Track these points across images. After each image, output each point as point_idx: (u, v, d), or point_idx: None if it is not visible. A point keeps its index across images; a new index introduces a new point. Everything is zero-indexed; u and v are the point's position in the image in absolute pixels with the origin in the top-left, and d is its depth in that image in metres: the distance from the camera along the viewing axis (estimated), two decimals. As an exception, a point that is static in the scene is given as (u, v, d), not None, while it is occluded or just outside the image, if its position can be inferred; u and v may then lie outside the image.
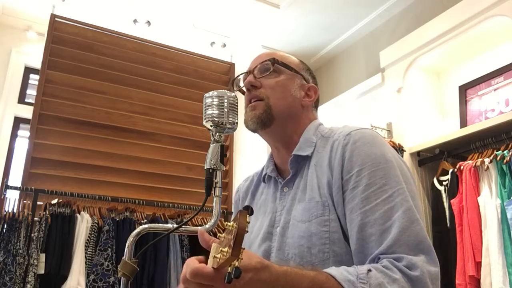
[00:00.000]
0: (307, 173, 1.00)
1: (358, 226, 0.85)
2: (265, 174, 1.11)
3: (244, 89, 1.10)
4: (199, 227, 0.86)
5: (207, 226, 0.94)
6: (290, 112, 1.05)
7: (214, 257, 0.64)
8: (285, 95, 1.05)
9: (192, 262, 0.70)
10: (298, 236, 0.93)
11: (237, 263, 0.58)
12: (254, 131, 1.06)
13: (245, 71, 1.11)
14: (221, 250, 0.61)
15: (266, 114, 1.03)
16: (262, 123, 1.03)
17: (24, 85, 3.64)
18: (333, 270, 0.77)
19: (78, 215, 2.57)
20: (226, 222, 0.64)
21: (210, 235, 0.76)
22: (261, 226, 1.03)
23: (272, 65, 1.05)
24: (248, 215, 0.61)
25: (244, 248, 0.60)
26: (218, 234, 0.69)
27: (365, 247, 0.84)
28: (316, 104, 1.14)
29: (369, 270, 0.77)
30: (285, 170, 1.06)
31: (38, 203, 2.56)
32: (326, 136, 1.03)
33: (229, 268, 0.59)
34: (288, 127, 1.05)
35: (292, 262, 0.91)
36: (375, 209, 0.85)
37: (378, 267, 0.78)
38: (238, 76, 1.14)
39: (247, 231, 0.60)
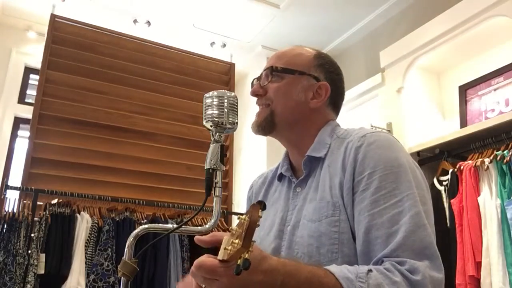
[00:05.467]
0: (320, 174, 1.00)
1: (365, 228, 0.85)
2: (280, 173, 1.11)
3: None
4: (198, 228, 0.86)
5: (207, 226, 0.94)
6: (294, 117, 1.05)
7: (225, 248, 0.65)
8: (286, 100, 1.04)
9: (201, 257, 0.71)
10: (307, 235, 0.93)
11: (246, 255, 0.60)
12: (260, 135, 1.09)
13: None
14: (232, 241, 0.63)
15: (266, 122, 1.04)
16: (262, 130, 1.05)
17: (24, 85, 3.65)
18: (333, 267, 0.77)
19: (78, 215, 2.57)
20: (239, 215, 0.65)
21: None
22: (272, 224, 1.04)
23: (271, 73, 1.06)
24: (260, 210, 0.62)
25: (254, 241, 0.61)
26: (230, 227, 0.70)
27: (370, 250, 0.84)
28: (334, 101, 1.11)
29: (370, 271, 0.77)
30: (299, 170, 1.07)
31: (38, 203, 2.56)
32: (341, 137, 1.02)
33: (239, 261, 0.60)
34: (294, 131, 1.06)
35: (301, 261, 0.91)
36: (383, 212, 0.85)
37: (380, 268, 0.78)
38: (253, 81, 1.12)
39: (259, 225, 0.61)
